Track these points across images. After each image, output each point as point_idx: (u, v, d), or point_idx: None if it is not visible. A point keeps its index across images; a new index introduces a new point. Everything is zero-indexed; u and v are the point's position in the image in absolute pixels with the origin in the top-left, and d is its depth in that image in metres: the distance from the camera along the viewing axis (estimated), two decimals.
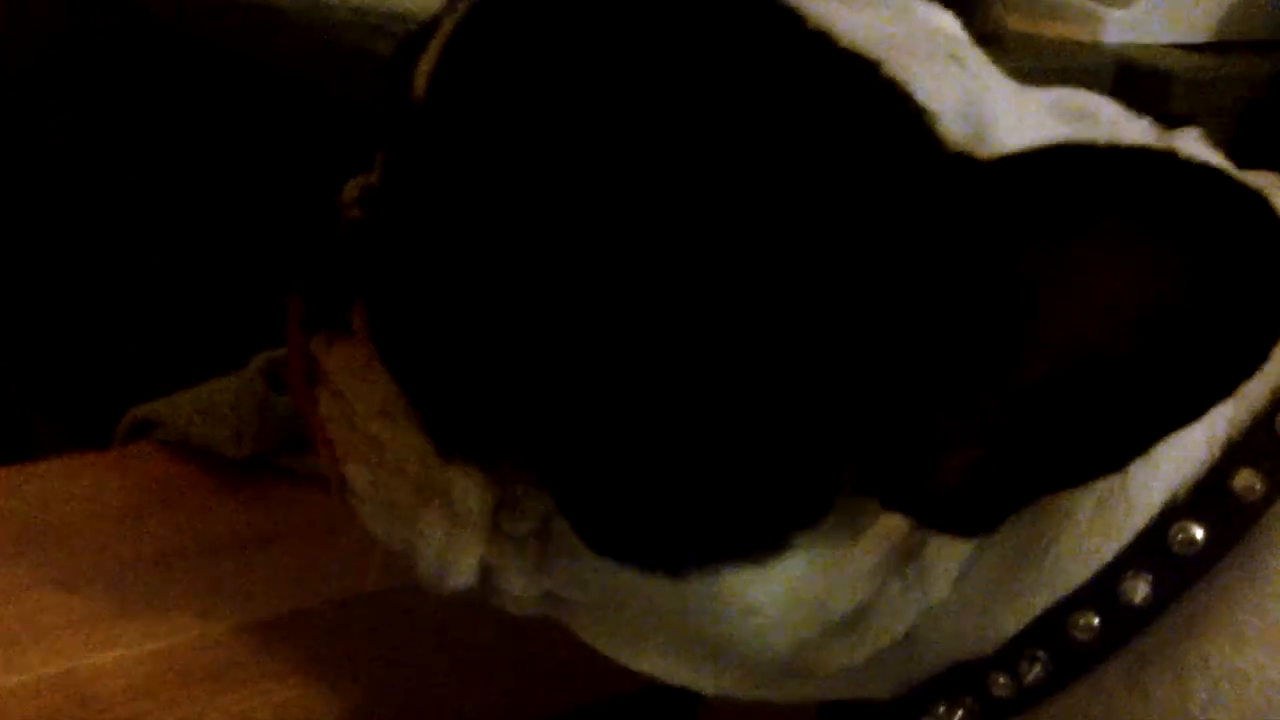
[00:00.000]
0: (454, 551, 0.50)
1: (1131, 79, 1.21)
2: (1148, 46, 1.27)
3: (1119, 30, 1.26)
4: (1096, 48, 1.24)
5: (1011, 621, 0.48)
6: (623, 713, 0.68)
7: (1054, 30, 1.26)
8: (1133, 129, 0.51)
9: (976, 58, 0.48)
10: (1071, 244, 0.40)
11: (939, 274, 0.42)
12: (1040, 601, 0.47)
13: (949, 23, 0.50)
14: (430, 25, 0.50)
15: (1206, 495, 0.46)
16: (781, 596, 0.47)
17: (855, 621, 0.48)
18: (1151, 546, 0.46)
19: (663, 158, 0.44)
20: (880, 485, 0.45)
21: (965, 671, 0.49)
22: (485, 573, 0.50)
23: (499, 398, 0.47)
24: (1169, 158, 0.39)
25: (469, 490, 0.49)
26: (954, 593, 0.47)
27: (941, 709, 0.50)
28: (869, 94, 0.44)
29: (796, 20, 0.45)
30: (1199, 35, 1.32)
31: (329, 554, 0.63)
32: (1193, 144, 0.50)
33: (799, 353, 0.44)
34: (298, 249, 0.54)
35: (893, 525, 0.46)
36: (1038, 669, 0.48)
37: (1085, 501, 0.46)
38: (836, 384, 0.44)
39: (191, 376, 0.71)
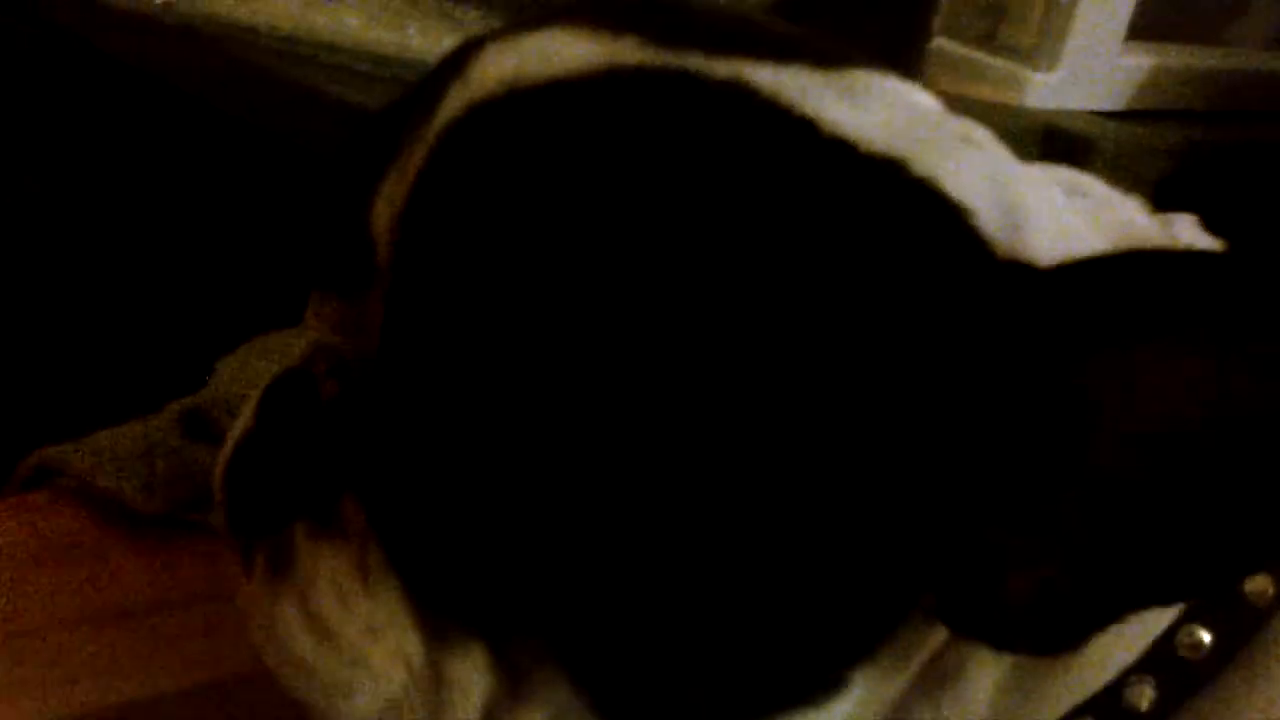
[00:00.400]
0: None
1: (1056, 144, 1.22)
2: (1071, 113, 1.28)
3: (1041, 95, 1.27)
4: (1022, 112, 1.25)
5: None
6: None
7: (980, 92, 1.26)
8: (1128, 208, 0.49)
9: (983, 134, 0.46)
10: (1136, 355, 0.38)
11: (998, 387, 0.40)
12: (1057, 713, 0.45)
13: (931, 101, 0.47)
14: (375, 147, 0.45)
15: (1218, 599, 0.45)
16: None
17: None
18: (1159, 652, 0.45)
19: (694, 306, 0.40)
20: (952, 610, 0.42)
21: None
22: None
23: (518, 567, 0.43)
24: (1233, 264, 0.38)
25: (470, 670, 0.45)
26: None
27: None
28: (903, 201, 0.42)
29: (812, 130, 0.42)
30: (1118, 102, 1.33)
31: (225, 625, 0.58)
32: (1192, 231, 0.49)
33: (860, 486, 0.41)
34: (270, 426, 0.48)
35: (931, 650, 0.44)
36: None
37: None
38: (905, 511, 0.41)
39: (101, 420, 0.67)
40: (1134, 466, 0.39)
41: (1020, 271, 0.41)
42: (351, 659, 0.45)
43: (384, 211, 0.43)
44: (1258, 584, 0.45)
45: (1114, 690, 0.45)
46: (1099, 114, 1.30)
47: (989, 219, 0.42)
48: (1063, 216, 0.45)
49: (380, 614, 0.45)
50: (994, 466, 0.40)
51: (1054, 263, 0.40)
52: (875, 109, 0.43)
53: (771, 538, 0.41)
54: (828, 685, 0.43)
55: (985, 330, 0.40)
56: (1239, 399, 0.37)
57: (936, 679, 0.45)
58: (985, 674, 0.45)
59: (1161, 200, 0.51)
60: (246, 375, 0.66)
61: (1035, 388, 0.40)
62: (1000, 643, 0.43)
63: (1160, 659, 0.45)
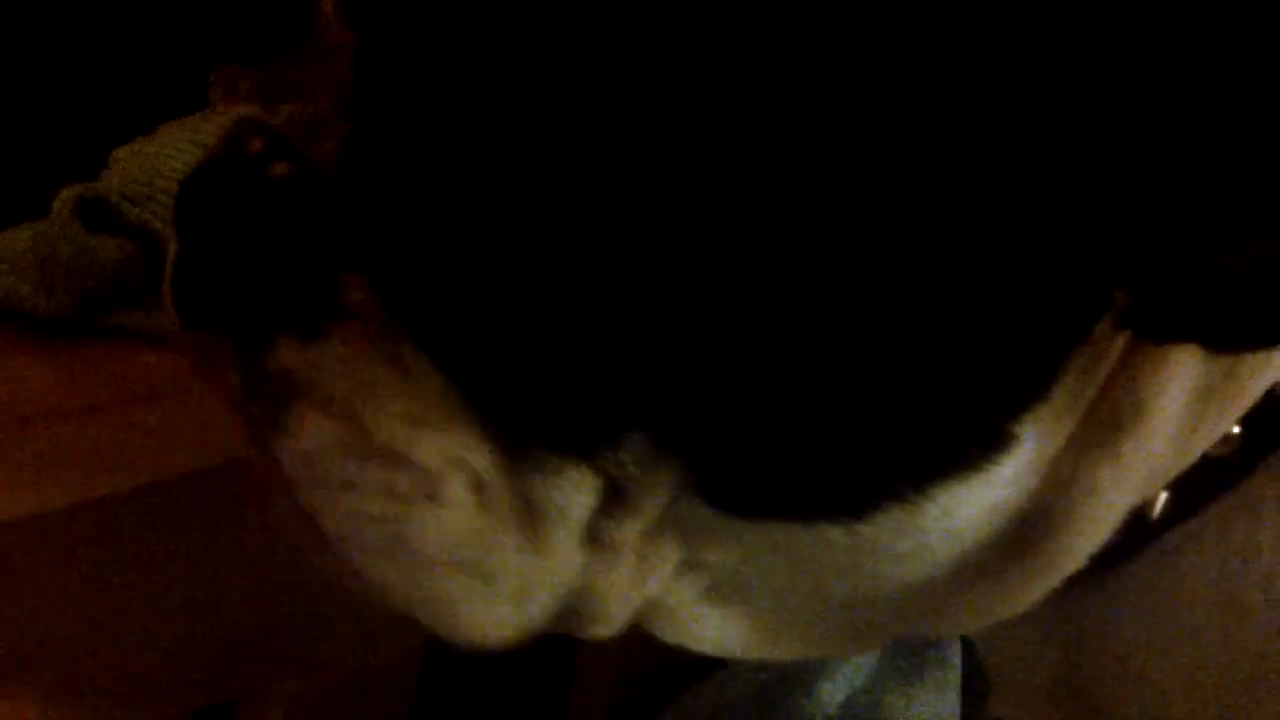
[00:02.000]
0: (537, 586, 0.38)
1: None
2: None
3: None
4: None
5: None
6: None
7: None
8: None
9: None
10: None
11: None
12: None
13: None
14: None
15: None
16: (982, 513, 0.37)
17: (1039, 538, 0.38)
18: None
19: None
20: (1153, 306, 0.34)
21: None
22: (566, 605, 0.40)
23: (611, 346, 0.35)
24: None
25: (568, 492, 0.37)
26: None
27: None
28: None
29: None
30: None
31: (160, 427, 0.53)
32: None
33: (1037, 150, 0.32)
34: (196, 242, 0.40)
35: (1104, 386, 0.36)
36: (1164, 499, 0.40)
37: None
38: (1094, 182, 0.32)
39: None
40: None
41: None
42: (387, 451, 0.37)
43: None
44: None
45: None
46: None
47: None
48: None
49: (420, 404, 0.36)
50: (1200, 108, 0.31)
51: None
52: None
53: (927, 228, 0.32)
54: (996, 442, 0.35)
55: None
56: None
57: (1112, 423, 0.36)
58: (1170, 409, 0.37)
59: None
60: (150, 163, 0.58)
61: None
62: (1214, 337, 0.34)
63: None
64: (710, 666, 0.79)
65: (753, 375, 0.34)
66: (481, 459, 0.37)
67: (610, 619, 0.40)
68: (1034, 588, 0.39)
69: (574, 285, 0.34)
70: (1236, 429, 0.39)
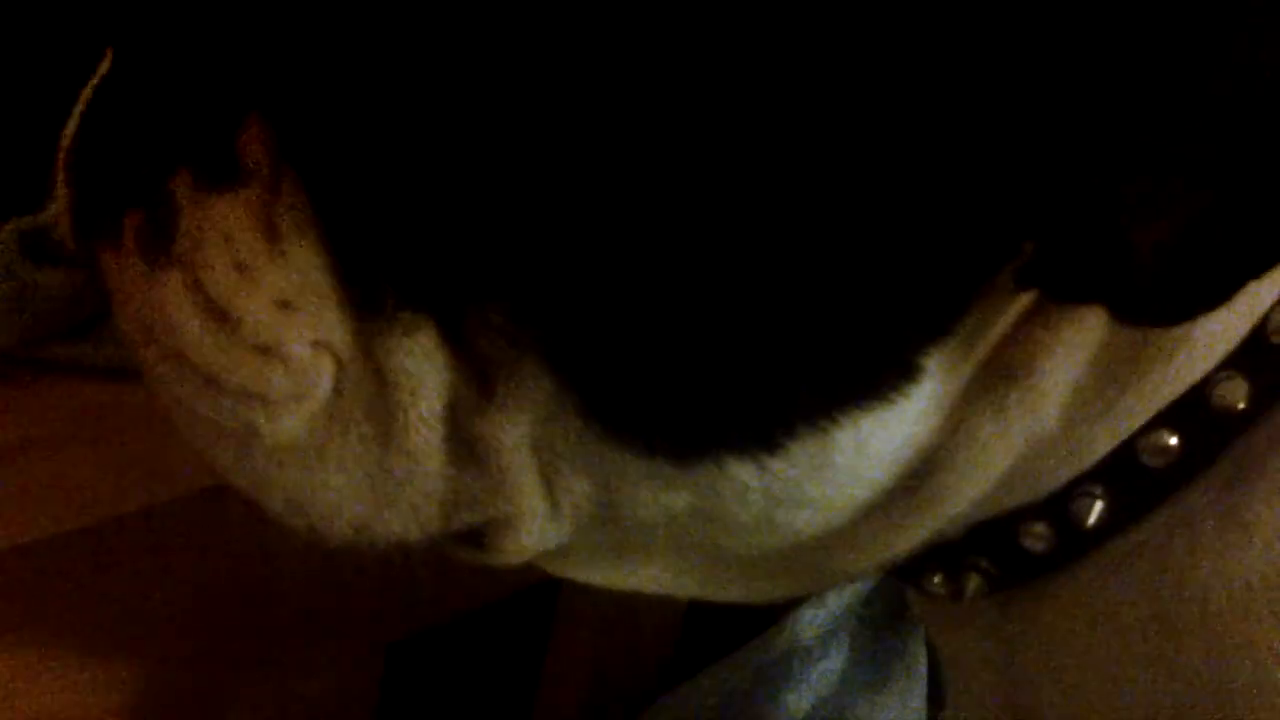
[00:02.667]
0: (395, 481, 0.36)
1: None
2: None
3: None
4: None
5: (1097, 450, 0.39)
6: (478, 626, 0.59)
7: None
8: None
9: None
10: None
11: None
12: (1138, 422, 0.38)
13: None
14: None
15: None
16: (900, 443, 0.36)
17: (924, 475, 0.38)
18: (1252, 346, 0.38)
19: None
20: (1056, 268, 0.34)
21: (986, 529, 0.40)
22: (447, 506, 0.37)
23: (484, 194, 0.33)
24: None
25: (420, 360, 0.34)
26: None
27: (936, 579, 0.41)
28: None
29: None
30: None
31: (103, 465, 0.53)
32: None
33: (951, 93, 0.32)
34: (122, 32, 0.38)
35: (1002, 333, 0.36)
36: (1098, 509, 0.39)
37: None
38: (1000, 135, 0.32)
39: None
40: None
41: None
42: (258, 344, 0.35)
43: None
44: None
45: (1198, 391, 0.38)
46: None
47: None
48: None
49: (290, 282, 0.34)
50: (1122, 73, 0.31)
51: None
52: None
53: (821, 145, 0.32)
54: (900, 372, 0.35)
55: None
56: None
57: (1002, 375, 0.37)
58: (1059, 373, 0.37)
59: None
60: None
61: None
62: (1118, 307, 0.34)
63: (1253, 353, 0.38)
64: (681, 666, 0.79)
65: (630, 265, 0.33)
66: (344, 337, 0.35)
67: (500, 544, 0.38)
68: (917, 525, 0.39)
69: (451, 154, 0.33)
70: (1174, 440, 0.38)
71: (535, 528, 0.37)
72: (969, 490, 0.38)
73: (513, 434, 0.35)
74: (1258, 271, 0.32)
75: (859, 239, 0.33)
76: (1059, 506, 0.39)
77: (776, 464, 0.35)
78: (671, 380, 0.34)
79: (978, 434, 0.37)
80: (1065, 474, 0.39)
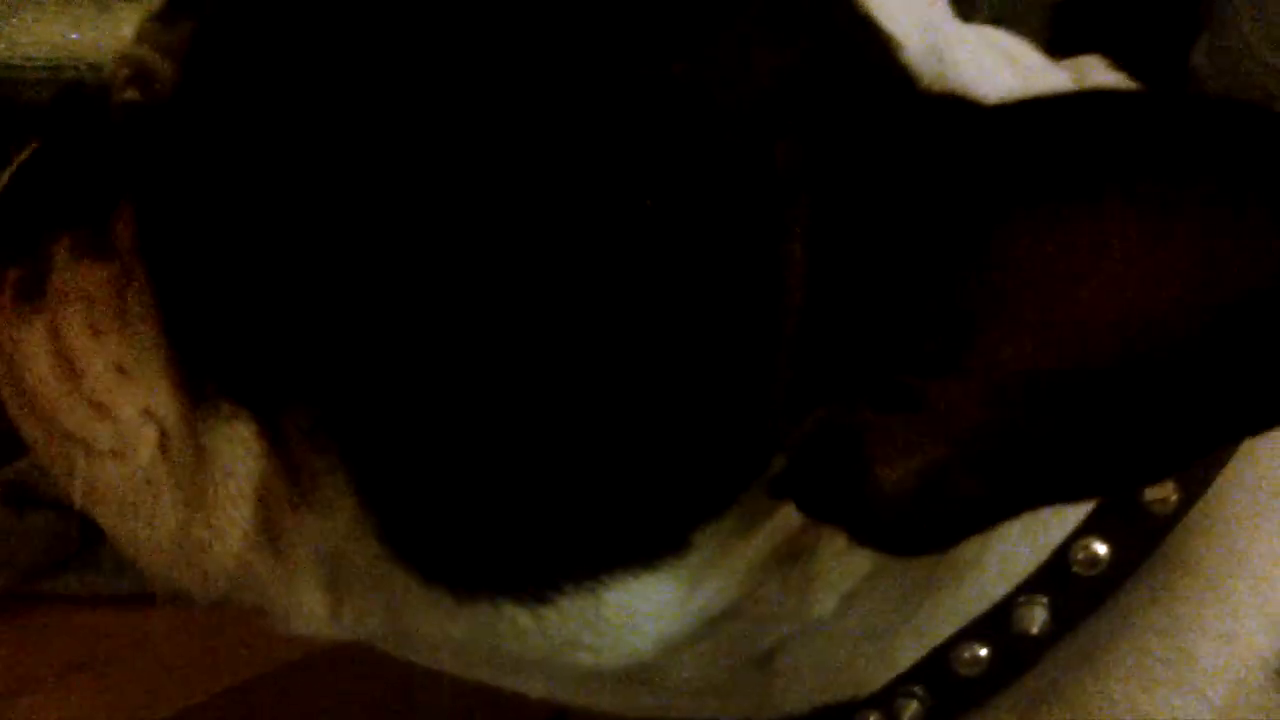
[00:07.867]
0: (198, 545, 0.39)
1: None
2: None
3: None
4: None
5: (907, 656, 0.42)
6: None
7: None
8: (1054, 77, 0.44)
9: None
10: (1090, 209, 0.32)
11: (902, 233, 0.34)
12: (942, 634, 0.41)
13: None
14: None
15: (1114, 507, 0.41)
16: (669, 603, 0.40)
17: (719, 625, 0.41)
18: (1053, 567, 0.41)
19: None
20: (802, 488, 0.37)
21: (829, 715, 0.43)
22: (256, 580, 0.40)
23: (298, 317, 0.37)
24: (1236, 110, 0.31)
25: (235, 445, 0.38)
26: (842, 616, 0.41)
27: None
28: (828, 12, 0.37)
29: None
30: None
31: (100, 697, 0.57)
32: (1101, 73, 0.44)
33: (720, 315, 0.36)
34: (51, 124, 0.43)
35: (787, 520, 0.39)
36: (914, 708, 0.42)
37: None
38: (766, 355, 0.36)
39: None
40: (1052, 354, 0.33)
41: (955, 108, 0.35)
42: (93, 400, 0.39)
43: None
44: (1160, 491, 0.40)
45: (1003, 610, 0.41)
46: None
47: (918, 58, 0.37)
48: (999, 77, 0.40)
49: (131, 353, 0.39)
50: (893, 321, 0.35)
51: (995, 101, 0.35)
52: None
53: (626, 356, 0.36)
54: (665, 545, 0.38)
55: (894, 164, 0.34)
56: (1248, 268, 0.30)
57: (789, 555, 0.40)
58: (841, 566, 0.40)
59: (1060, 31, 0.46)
60: None
61: (953, 238, 0.34)
62: (858, 533, 0.37)
63: (1053, 575, 0.41)
64: None
65: (421, 408, 0.37)
66: (173, 412, 0.39)
67: (277, 623, 0.41)
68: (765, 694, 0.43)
69: (275, 269, 0.37)
70: (984, 652, 0.41)
71: (311, 626, 0.41)
72: (749, 647, 0.41)
73: (312, 539, 0.39)
74: (980, 527, 0.36)
75: (626, 426, 0.37)
76: (887, 705, 0.42)
77: (548, 612, 0.39)
78: (453, 519, 0.38)
79: (765, 597, 0.40)
80: (883, 674, 0.42)
